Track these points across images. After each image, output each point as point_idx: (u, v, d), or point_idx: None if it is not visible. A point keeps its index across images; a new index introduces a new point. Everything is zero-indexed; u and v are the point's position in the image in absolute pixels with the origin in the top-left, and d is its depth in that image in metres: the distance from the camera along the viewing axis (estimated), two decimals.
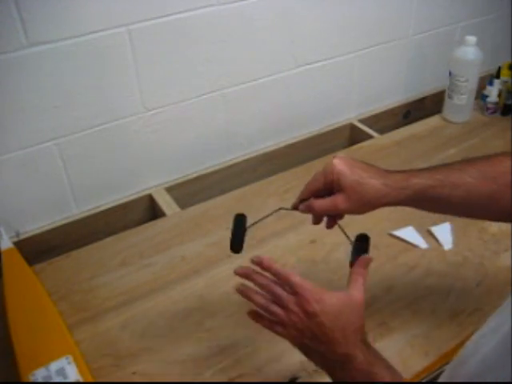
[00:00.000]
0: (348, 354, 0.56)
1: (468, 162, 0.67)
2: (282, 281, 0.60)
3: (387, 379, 0.56)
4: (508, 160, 0.67)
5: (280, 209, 0.72)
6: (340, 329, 0.56)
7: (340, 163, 0.64)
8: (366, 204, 0.64)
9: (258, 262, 0.62)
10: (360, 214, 0.67)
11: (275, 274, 0.61)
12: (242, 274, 0.64)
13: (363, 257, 0.63)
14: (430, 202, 0.65)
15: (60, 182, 0.97)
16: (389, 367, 0.58)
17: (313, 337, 0.57)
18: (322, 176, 0.65)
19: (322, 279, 0.86)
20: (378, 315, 0.79)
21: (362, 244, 0.70)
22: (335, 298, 0.58)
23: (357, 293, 0.59)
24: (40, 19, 0.81)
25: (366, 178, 0.63)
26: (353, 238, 0.70)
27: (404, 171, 0.66)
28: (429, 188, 0.64)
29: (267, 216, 0.72)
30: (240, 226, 0.72)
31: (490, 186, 0.64)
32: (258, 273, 0.62)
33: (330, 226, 0.72)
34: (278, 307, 0.59)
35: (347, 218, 0.99)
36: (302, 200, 0.69)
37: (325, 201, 0.65)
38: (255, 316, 0.63)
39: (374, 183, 0.63)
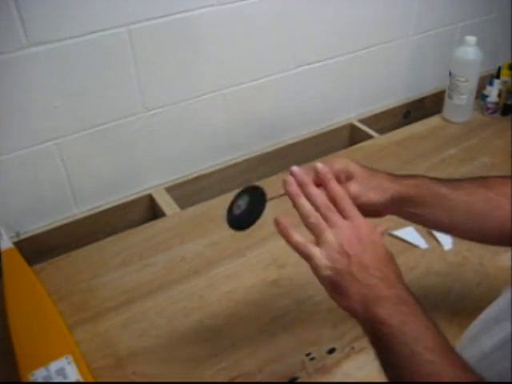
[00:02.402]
0: (397, 295, 0.53)
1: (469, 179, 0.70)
2: (337, 201, 0.54)
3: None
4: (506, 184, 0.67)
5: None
6: (380, 269, 0.53)
7: (347, 160, 0.66)
8: (374, 188, 0.64)
9: (315, 171, 0.57)
10: (368, 205, 0.65)
11: (330, 190, 0.55)
12: (298, 174, 0.57)
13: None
14: (432, 197, 0.66)
15: (60, 182, 0.97)
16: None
17: (359, 266, 0.52)
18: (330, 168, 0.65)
19: None
20: None
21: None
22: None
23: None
24: (40, 19, 0.81)
25: (374, 170, 0.67)
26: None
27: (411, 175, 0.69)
28: (433, 184, 0.66)
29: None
30: (258, 200, 0.67)
31: (487, 192, 0.65)
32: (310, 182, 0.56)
33: None
34: (325, 223, 0.54)
35: None
36: None
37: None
38: (284, 227, 0.58)
39: (381, 174, 0.66)
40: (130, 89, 0.96)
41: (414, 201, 0.65)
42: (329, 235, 0.53)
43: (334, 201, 0.54)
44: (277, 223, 0.58)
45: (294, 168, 0.57)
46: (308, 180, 0.57)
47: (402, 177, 0.67)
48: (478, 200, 0.65)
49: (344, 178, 0.64)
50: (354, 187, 0.63)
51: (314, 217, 0.55)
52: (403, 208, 0.66)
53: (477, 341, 0.54)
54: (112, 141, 0.99)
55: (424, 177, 0.68)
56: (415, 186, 0.66)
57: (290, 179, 0.58)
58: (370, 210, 0.65)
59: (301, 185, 0.56)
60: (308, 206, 0.55)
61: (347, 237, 0.52)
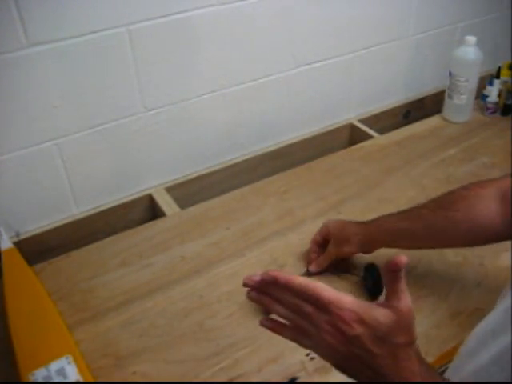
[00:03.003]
0: (401, 377, 0.48)
1: (432, 200, 0.79)
2: (309, 298, 0.49)
3: None
4: (466, 188, 0.76)
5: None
6: (390, 353, 0.48)
7: (330, 221, 0.86)
8: (345, 240, 0.82)
9: (271, 281, 0.51)
10: (349, 253, 0.85)
11: (299, 290, 0.49)
12: (254, 285, 0.53)
13: (394, 259, 0.50)
14: (394, 235, 0.79)
15: (60, 182, 0.97)
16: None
17: (355, 359, 0.49)
18: (319, 233, 0.87)
19: (322, 279, 0.86)
20: None
21: (372, 273, 0.82)
22: (381, 317, 0.47)
23: (403, 304, 0.48)
24: (40, 19, 0.81)
25: (347, 223, 0.85)
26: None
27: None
28: (391, 223, 0.80)
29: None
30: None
31: (444, 212, 0.75)
32: (273, 284, 0.51)
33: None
34: (305, 321, 0.50)
35: (347, 217, 0.99)
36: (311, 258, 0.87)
37: (323, 256, 0.85)
38: (273, 325, 0.53)
39: (351, 224, 0.84)
40: (130, 89, 0.96)
41: (379, 240, 0.81)
42: (316, 335, 0.50)
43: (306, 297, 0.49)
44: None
45: (247, 280, 0.53)
46: (265, 282, 0.52)
47: (367, 223, 0.82)
48: (438, 221, 0.75)
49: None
50: (332, 250, 0.84)
51: (296, 318, 0.51)
52: (372, 248, 0.82)
53: (474, 355, 0.53)
54: (112, 141, 0.99)
55: (384, 217, 0.81)
56: (376, 228, 0.80)
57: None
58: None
59: (262, 290, 0.53)
60: (283, 309, 0.52)
61: (331, 335, 0.49)
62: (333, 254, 0.84)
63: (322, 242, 0.86)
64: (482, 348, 0.51)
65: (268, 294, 0.52)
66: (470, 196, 0.73)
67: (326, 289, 0.49)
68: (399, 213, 0.81)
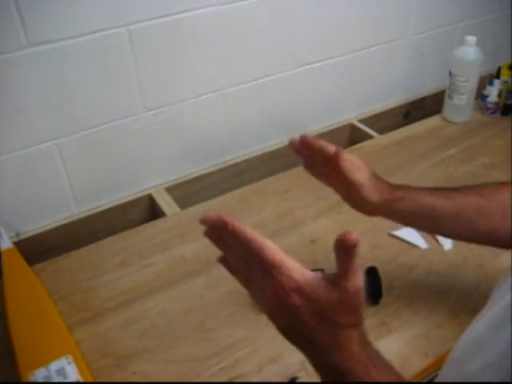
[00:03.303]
0: (338, 356, 0.47)
1: (467, 186, 0.73)
2: (255, 257, 0.47)
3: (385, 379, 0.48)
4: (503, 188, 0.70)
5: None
6: (328, 331, 0.46)
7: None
8: (375, 188, 0.71)
9: (222, 226, 0.48)
10: (365, 201, 0.71)
11: (246, 246, 0.47)
12: (209, 226, 0.50)
13: (345, 234, 0.44)
14: (419, 208, 0.70)
15: (60, 182, 0.97)
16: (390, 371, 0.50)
17: (293, 329, 0.47)
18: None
19: None
20: (378, 315, 0.79)
21: (372, 276, 0.80)
22: (324, 292, 0.45)
23: (351, 284, 0.45)
24: (40, 19, 0.81)
25: (377, 175, 0.74)
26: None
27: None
28: (419, 195, 0.71)
29: None
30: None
31: (477, 199, 0.68)
32: (224, 229, 0.48)
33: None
34: (252, 276, 0.49)
35: (348, 218, 0.99)
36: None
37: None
38: (228, 266, 0.54)
39: (382, 180, 0.73)
40: (130, 89, 0.96)
41: (398, 210, 0.71)
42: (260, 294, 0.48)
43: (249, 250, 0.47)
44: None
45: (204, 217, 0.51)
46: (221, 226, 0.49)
47: (396, 187, 0.73)
48: (467, 208, 0.68)
49: (351, 167, 0.70)
50: (361, 178, 0.70)
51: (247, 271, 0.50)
52: (391, 215, 0.73)
53: (461, 366, 0.53)
54: (112, 141, 0.99)
55: (412, 187, 0.73)
56: (404, 193, 0.71)
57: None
58: (361, 206, 0.73)
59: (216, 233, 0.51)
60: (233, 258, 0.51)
61: (272, 301, 0.47)
62: (359, 183, 0.70)
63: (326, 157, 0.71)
64: (467, 359, 0.50)
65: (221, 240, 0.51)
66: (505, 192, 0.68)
67: (272, 251, 0.47)
68: (429, 188, 0.72)
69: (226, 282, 0.86)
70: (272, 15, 1.05)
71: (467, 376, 0.45)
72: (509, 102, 1.28)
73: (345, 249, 0.44)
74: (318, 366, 0.48)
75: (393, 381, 0.48)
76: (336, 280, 0.45)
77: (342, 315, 0.46)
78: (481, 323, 0.49)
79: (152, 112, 1.01)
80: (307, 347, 0.48)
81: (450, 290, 0.83)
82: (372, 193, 0.71)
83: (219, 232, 0.49)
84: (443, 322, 0.78)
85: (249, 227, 0.47)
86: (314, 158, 0.73)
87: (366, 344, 0.48)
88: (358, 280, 0.45)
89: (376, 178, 0.72)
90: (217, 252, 0.98)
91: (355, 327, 0.47)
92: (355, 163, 0.71)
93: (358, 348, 0.46)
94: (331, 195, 1.08)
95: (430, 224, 0.71)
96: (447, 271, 0.87)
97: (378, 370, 0.47)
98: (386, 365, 0.49)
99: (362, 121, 1.31)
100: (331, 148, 0.70)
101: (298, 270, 0.47)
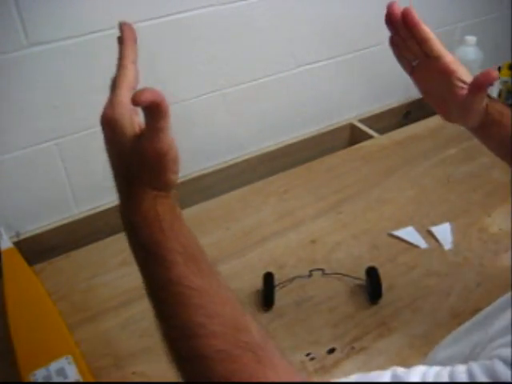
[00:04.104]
0: (127, 215, 0.47)
1: None
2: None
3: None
4: None
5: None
6: (126, 183, 0.48)
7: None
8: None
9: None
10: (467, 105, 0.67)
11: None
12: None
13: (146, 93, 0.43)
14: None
15: (60, 182, 0.97)
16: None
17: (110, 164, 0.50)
18: None
19: (323, 280, 0.86)
20: (378, 315, 0.79)
21: (372, 276, 0.81)
22: (129, 143, 0.47)
23: (153, 145, 0.45)
24: (40, 19, 0.81)
25: None
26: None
27: None
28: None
29: None
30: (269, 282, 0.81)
31: None
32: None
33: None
34: None
35: (348, 218, 0.99)
36: None
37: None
38: None
39: None
40: None
41: (495, 133, 0.67)
42: None
43: None
44: None
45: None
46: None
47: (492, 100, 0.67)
48: None
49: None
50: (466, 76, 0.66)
51: None
52: (487, 129, 0.69)
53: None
54: None
55: (508, 110, 0.67)
56: (500, 116, 0.66)
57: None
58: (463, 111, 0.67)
59: None
60: None
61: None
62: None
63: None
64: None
65: None
66: None
67: (125, 69, 0.49)
68: None
69: (226, 281, 0.86)
70: (272, 15, 1.05)
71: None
72: (509, 102, 1.28)
73: (151, 107, 0.43)
74: (120, 214, 0.48)
75: (163, 239, 0.46)
76: (139, 137, 0.45)
77: (140, 171, 0.46)
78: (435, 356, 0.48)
79: None
80: (116, 191, 0.49)
81: (450, 290, 0.83)
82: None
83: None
84: (443, 322, 0.78)
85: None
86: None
87: (159, 206, 0.46)
88: (161, 142, 0.45)
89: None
90: (217, 252, 0.98)
91: (153, 189, 0.46)
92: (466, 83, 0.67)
93: (147, 207, 0.46)
94: (331, 195, 1.08)
95: None
96: (447, 271, 0.87)
97: (163, 233, 0.45)
98: (177, 232, 0.47)
99: (361, 121, 1.31)
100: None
101: (121, 103, 0.48)
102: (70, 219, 1.00)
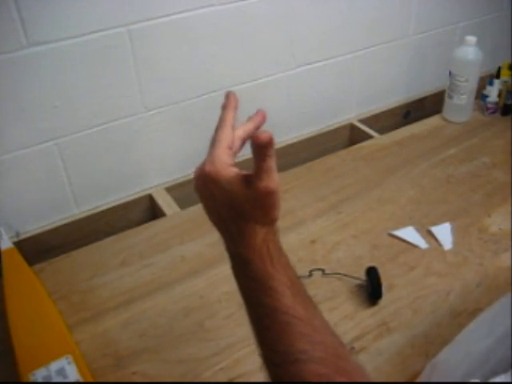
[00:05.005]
0: (242, 252, 0.50)
1: None
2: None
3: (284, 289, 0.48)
4: None
5: None
6: (238, 225, 0.50)
7: None
8: None
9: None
10: None
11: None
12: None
13: (257, 134, 0.48)
14: None
15: (60, 182, 0.97)
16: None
17: (211, 213, 0.54)
18: None
19: (322, 280, 0.86)
20: (378, 315, 0.79)
21: (372, 276, 0.81)
22: (238, 188, 0.49)
23: (263, 184, 0.48)
24: (40, 19, 0.81)
25: None
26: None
27: None
28: None
29: None
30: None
31: None
32: None
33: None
34: None
35: (347, 218, 0.99)
36: None
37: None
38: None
39: None
40: (130, 89, 0.96)
41: None
42: None
43: None
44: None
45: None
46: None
47: None
48: None
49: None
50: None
51: None
52: None
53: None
54: (112, 141, 0.99)
55: None
56: None
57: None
58: None
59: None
60: None
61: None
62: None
63: None
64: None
65: None
66: None
67: (224, 130, 0.55)
68: None
69: (226, 281, 0.86)
70: (272, 15, 1.05)
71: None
72: (509, 102, 1.28)
73: (257, 148, 0.47)
74: (229, 251, 0.52)
75: (283, 273, 0.49)
76: (250, 178, 0.49)
77: (251, 211, 0.49)
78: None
79: (152, 112, 1.01)
80: (221, 232, 0.53)
81: (450, 290, 0.83)
82: None
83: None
84: (443, 322, 0.78)
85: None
86: None
87: (270, 243, 0.50)
88: (271, 181, 0.48)
89: None
90: (217, 252, 0.98)
91: (263, 225, 0.50)
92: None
93: (260, 243, 0.49)
94: (331, 195, 1.08)
95: None
96: (447, 271, 0.87)
97: (273, 267, 0.49)
98: (285, 266, 0.50)
99: (361, 121, 1.31)
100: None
101: (221, 159, 0.51)
102: (70, 219, 1.00)
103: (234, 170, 0.50)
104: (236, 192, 0.49)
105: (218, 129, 0.55)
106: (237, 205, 0.49)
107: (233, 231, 0.51)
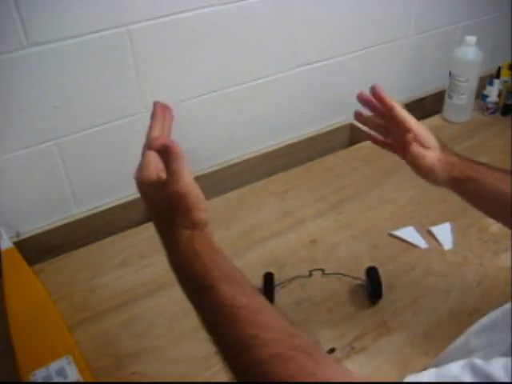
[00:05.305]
0: (179, 260, 0.51)
1: None
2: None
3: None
4: None
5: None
6: (168, 231, 0.52)
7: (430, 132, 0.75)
8: (445, 164, 0.70)
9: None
10: (433, 176, 0.72)
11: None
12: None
13: (153, 141, 0.51)
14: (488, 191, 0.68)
15: (60, 182, 0.97)
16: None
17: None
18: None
19: (322, 280, 0.86)
20: (378, 315, 0.79)
21: (372, 276, 0.81)
22: (157, 194, 0.52)
23: (174, 188, 0.50)
24: (40, 19, 0.81)
25: (446, 148, 0.73)
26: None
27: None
28: (492, 180, 0.68)
29: None
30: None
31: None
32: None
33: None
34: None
35: (347, 218, 0.99)
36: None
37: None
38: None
39: (451, 153, 0.72)
40: (130, 89, 0.96)
41: (471, 191, 0.69)
42: None
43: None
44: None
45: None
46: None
47: (466, 163, 0.70)
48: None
49: (419, 153, 0.72)
50: (431, 160, 0.71)
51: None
52: (460, 193, 0.71)
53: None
54: (112, 141, 0.99)
55: (481, 167, 0.69)
56: (474, 176, 0.68)
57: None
58: (431, 181, 0.73)
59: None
60: None
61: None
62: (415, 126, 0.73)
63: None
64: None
65: None
66: None
67: (150, 136, 0.54)
68: (497, 169, 0.69)
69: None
70: (272, 15, 1.05)
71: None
72: (509, 102, 1.28)
73: (160, 154, 0.50)
74: (169, 261, 0.53)
75: (227, 273, 0.49)
76: (163, 183, 0.51)
77: (171, 215, 0.51)
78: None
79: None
80: (158, 234, 0.54)
81: (450, 290, 0.83)
82: (442, 172, 0.70)
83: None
84: (443, 322, 0.78)
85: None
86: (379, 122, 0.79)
87: (196, 243, 0.51)
88: (181, 185, 0.50)
89: (445, 152, 0.71)
90: None
91: (186, 228, 0.51)
92: (425, 144, 0.72)
93: (185, 245, 0.50)
94: (331, 195, 1.08)
95: (497, 209, 0.69)
96: (447, 271, 0.87)
97: (204, 265, 0.49)
98: (217, 262, 0.51)
99: None
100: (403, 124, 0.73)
101: (147, 164, 0.53)
102: (70, 219, 1.00)
103: (155, 176, 0.51)
104: (156, 197, 0.51)
105: (146, 137, 0.56)
106: (159, 209, 0.52)
107: (163, 237, 0.53)
